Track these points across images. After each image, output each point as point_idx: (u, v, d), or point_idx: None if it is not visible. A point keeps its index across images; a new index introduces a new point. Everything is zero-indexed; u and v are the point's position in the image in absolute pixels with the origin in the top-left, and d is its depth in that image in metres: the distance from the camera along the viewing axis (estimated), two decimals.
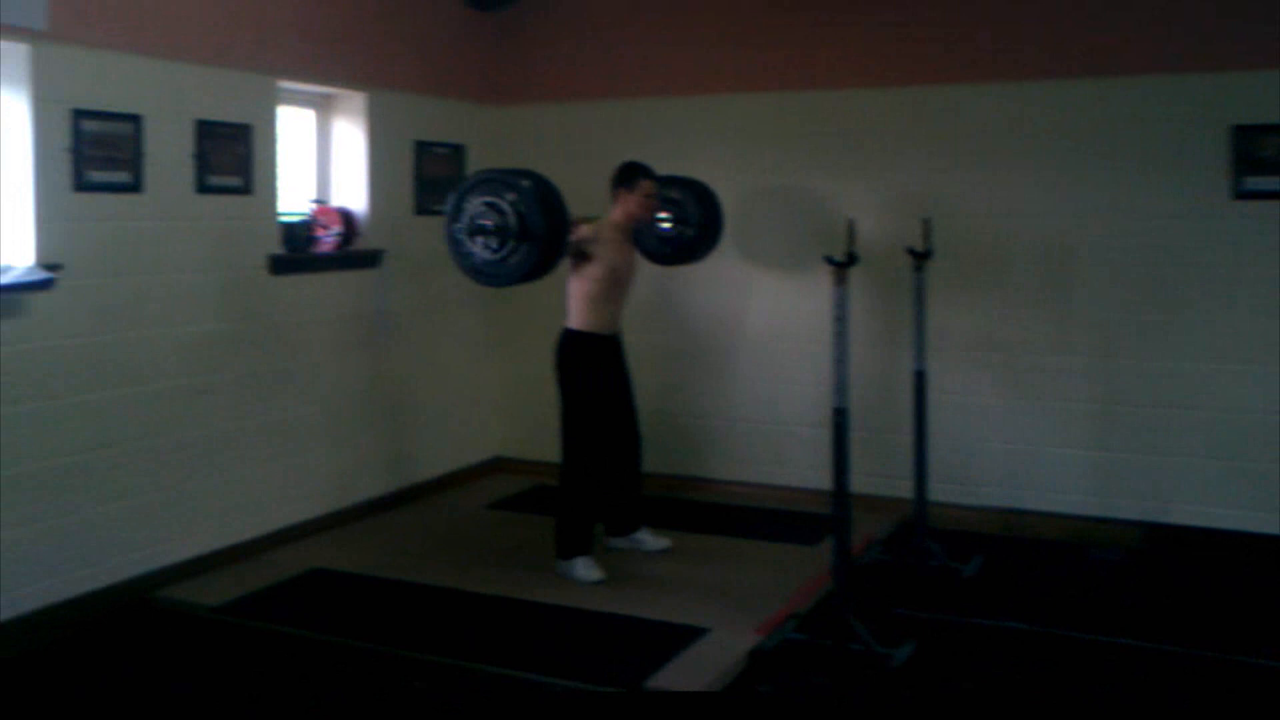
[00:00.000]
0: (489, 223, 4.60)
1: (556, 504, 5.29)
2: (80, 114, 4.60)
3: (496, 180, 4.66)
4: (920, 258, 5.43)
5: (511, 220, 4.58)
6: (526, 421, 7.05)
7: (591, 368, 5.23)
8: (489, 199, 4.62)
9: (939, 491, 5.80)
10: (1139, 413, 5.76)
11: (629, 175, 5.33)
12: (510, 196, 4.59)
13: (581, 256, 5.14)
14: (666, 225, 5.88)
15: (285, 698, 4.01)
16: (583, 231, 5.11)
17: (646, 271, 6.02)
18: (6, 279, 4.31)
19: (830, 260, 4.42)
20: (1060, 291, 5.89)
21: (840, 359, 4.41)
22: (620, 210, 5.32)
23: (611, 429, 5.35)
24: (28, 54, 4.43)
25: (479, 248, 4.65)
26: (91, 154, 4.64)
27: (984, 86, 5.97)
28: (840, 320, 4.41)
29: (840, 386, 4.42)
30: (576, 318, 5.23)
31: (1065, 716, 3.90)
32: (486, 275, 4.73)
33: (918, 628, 4.60)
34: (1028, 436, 5.98)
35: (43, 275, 4.41)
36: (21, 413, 4.44)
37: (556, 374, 5.27)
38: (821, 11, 6.28)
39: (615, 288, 5.26)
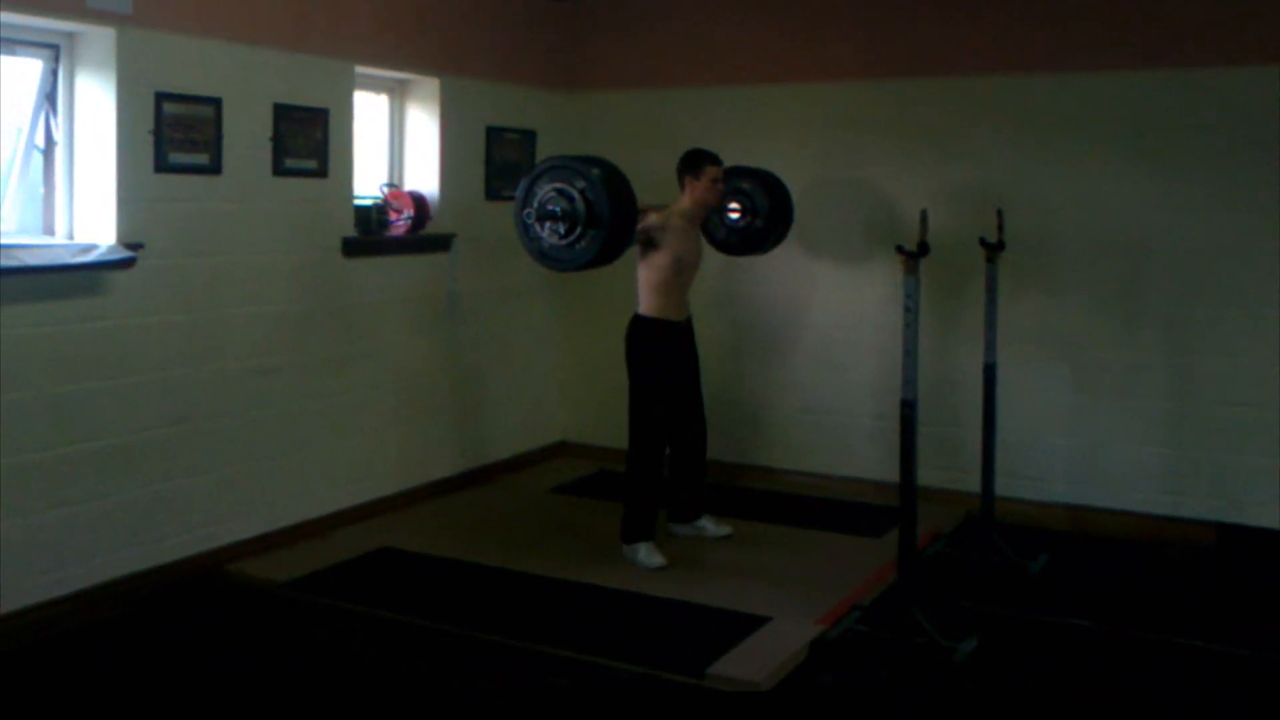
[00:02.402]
0: (558, 208, 4.64)
1: (622, 489, 5.32)
2: (162, 97, 4.69)
3: (567, 167, 4.69)
4: (993, 249, 5.37)
5: (580, 207, 4.61)
6: (591, 406, 7.08)
7: (660, 354, 5.25)
8: (559, 185, 4.65)
9: (1006, 486, 5.75)
10: (1211, 411, 5.66)
11: (695, 162, 5.33)
12: (580, 184, 4.62)
13: (649, 244, 5.16)
14: (735, 215, 5.87)
15: (352, 674, 4.08)
16: (650, 219, 5.13)
17: (713, 262, 6.03)
18: (90, 257, 4.41)
19: (902, 250, 4.39)
20: (1131, 286, 5.80)
21: (909, 351, 4.39)
22: (687, 197, 5.33)
23: (678, 416, 5.37)
24: (113, 38, 4.53)
25: (547, 233, 4.69)
26: (172, 136, 4.73)
27: (1055, 77, 5.89)
28: (910, 311, 4.38)
29: (909, 379, 4.40)
30: (645, 304, 5.26)
31: (1130, 718, 3.85)
32: (554, 260, 4.78)
33: (982, 622, 4.57)
34: (1096, 433, 5.90)
35: (125, 254, 4.51)
36: (101, 388, 4.55)
37: (626, 359, 5.29)
38: (892, 1, 6.24)
39: (681, 275, 5.28)
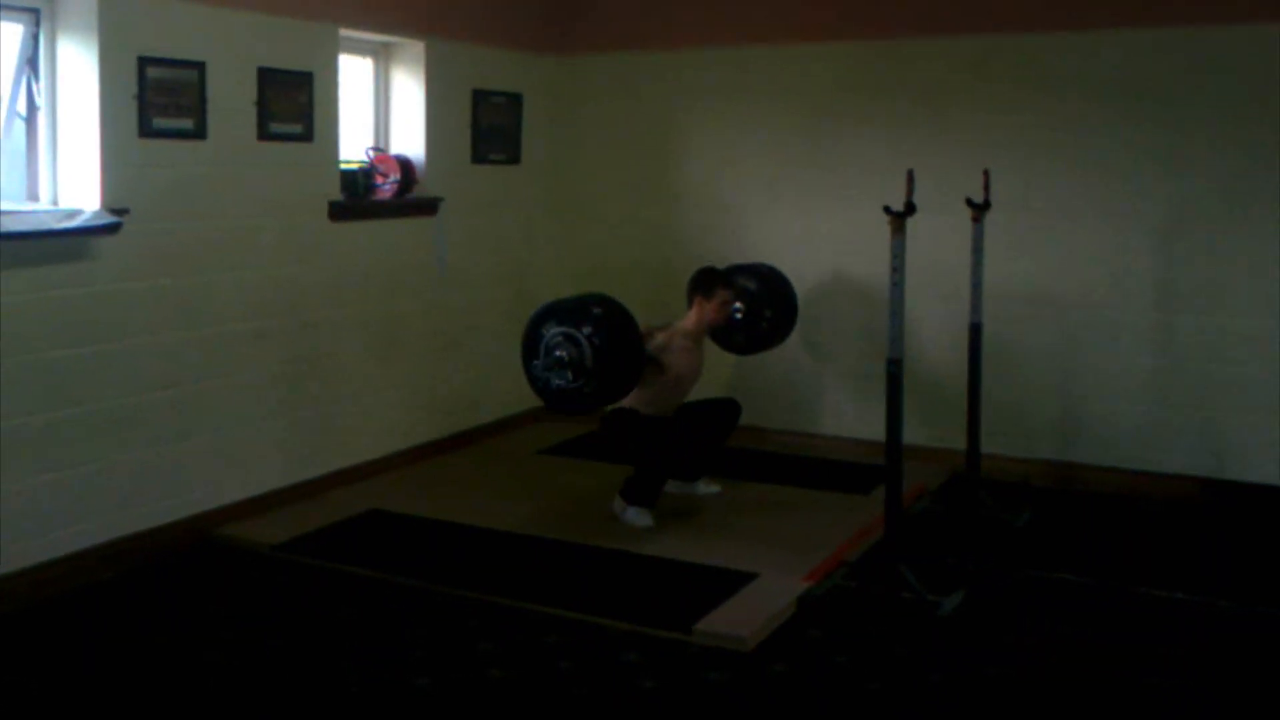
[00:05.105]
0: (565, 355, 4.68)
1: (640, 455, 5.23)
2: (145, 61, 4.66)
3: (569, 310, 4.76)
4: (979, 209, 5.39)
5: (588, 353, 4.66)
6: None
7: (639, 427, 5.22)
8: (565, 330, 4.70)
9: (992, 443, 5.79)
10: (1196, 368, 5.71)
11: (709, 284, 5.34)
12: (586, 329, 4.66)
13: (652, 363, 5.12)
14: (740, 316, 5.74)
15: (341, 634, 4.11)
16: (656, 340, 5.15)
17: (703, 228, 6.03)
18: (75, 222, 4.41)
19: (889, 210, 4.40)
20: (1118, 244, 5.82)
21: (896, 310, 4.41)
22: (695, 317, 5.35)
23: (688, 412, 5.40)
24: (94, 1, 4.49)
25: (555, 376, 4.73)
26: (156, 100, 4.71)
27: (1049, 36, 5.88)
28: (897, 271, 4.40)
29: (895, 337, 4.42)
30: (630, 400, 5.21)
31: (1113, 669, 3.90)
32: (565, 403, 4.82)
33: (967, 577, 4.61)
34: (1082, 390, 5.94)
35: (110, 219, 4.51)
36: (88, 354, 4.55)
37: (610, 445, 5.30)
38: None
39: (676, 391, 5.31)
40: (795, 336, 6.49)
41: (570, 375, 4.70)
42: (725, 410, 5.55)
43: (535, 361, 4.79)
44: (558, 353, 4.70)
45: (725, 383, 6.60)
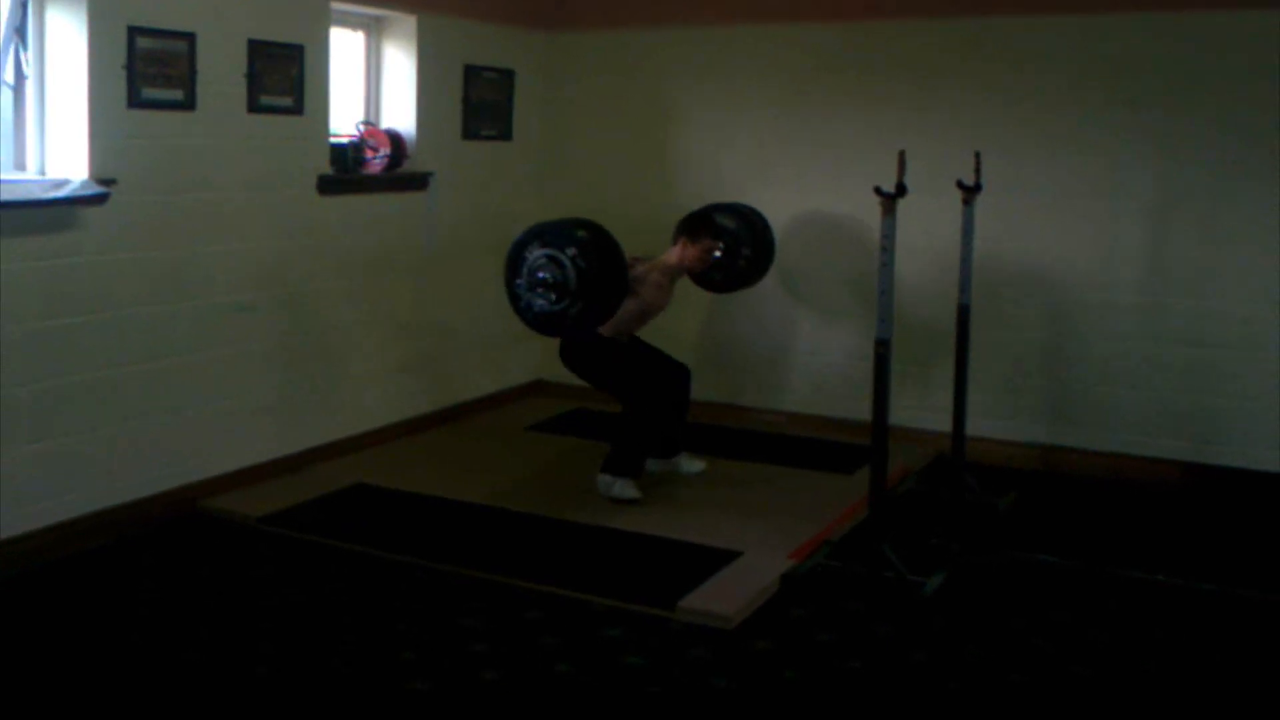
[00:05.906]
0: (548, 275, 4.66)
1: (617, 429, 5.31)
2: (135, 31, 4.63)
3: (554, 231, 4.72)
4: (969, 191, 5.39)
5: (571, 275, 4.63)
6: None
7: (609, 351, 5.28)
8: (549, 251, 4.66)
9: (978, 426, 5.81)
10: (1183, 352, 5.73)
11: (697, 229, 5.36)
12: (570, 250, 4.64)
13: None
14: (718, 253, 5.71)
15: (325, 608, 4.13)
16: (637, 270, 5.17)
17: (698, 197, 6.01)
18: (62, 192, 4.39)
19: (880, 191, 4.41)
20: (1108, 228, 5.83)
21: (885, 290, 4.42)
22: (676, 255, 5.38)
23: (655, 369, 5.42)
24: None
25: (538, 298, 4.70)
26: (145, 71, 4.69)
27: (1039, 19, 5.87)
28: (887, 251, 4.41)
29: (884, 318, 4.43)
30: None
31: (1095, 652, 3.93)
32: (546, 325, 4.82)
33: (950, 558, 4.64)
34: (1070, 372, 5.96)
35: (98, 190, 4.49)
36: (77, 324, 4.54)
37: (580, 373, 5.36)
38: None
39: (639, 320, 5.36)
40: (781, 312, 6.52)
41: (553, 297, 4.69)
42: (679, 380, 5.57)
43: (518, 280, 4.77)
44: (541, 274, 4.68)
45: (706, 358, 6.62)
